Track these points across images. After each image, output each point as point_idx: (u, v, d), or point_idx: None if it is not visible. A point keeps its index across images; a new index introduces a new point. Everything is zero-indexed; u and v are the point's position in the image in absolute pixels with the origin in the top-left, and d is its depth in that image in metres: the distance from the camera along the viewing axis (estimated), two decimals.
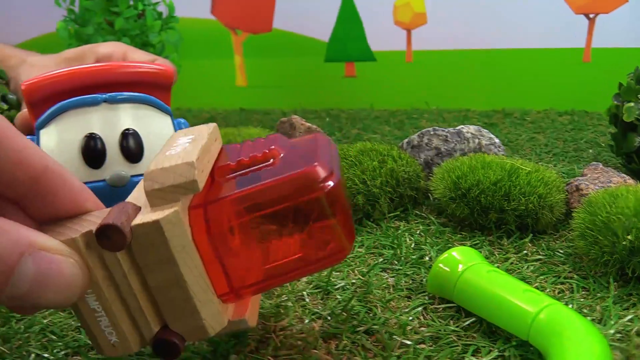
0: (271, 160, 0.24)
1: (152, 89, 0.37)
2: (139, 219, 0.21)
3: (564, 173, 0.53)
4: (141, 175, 0.35)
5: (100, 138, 0.33)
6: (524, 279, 0.33)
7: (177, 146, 0.24)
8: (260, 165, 0.24)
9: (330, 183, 0.22)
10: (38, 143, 0.34)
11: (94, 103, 0.34)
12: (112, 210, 0.21)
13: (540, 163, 0.57)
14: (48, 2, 0.69)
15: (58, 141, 0.33)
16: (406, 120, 0.83)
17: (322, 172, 0.22)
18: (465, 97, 0.90)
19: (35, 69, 0.55)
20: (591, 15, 0.81)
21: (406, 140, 0.50)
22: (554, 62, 0.85)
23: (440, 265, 0.31)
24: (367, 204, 0.42)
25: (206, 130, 0.25)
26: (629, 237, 0.31)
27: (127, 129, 0.34)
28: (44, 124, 0.34)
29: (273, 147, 0.25)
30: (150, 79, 0.37)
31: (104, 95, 0.34)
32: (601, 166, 0.44)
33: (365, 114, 0.89)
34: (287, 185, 0.22)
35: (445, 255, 0.31)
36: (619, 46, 0.81)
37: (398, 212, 0.44)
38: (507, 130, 0.74)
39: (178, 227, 0.21)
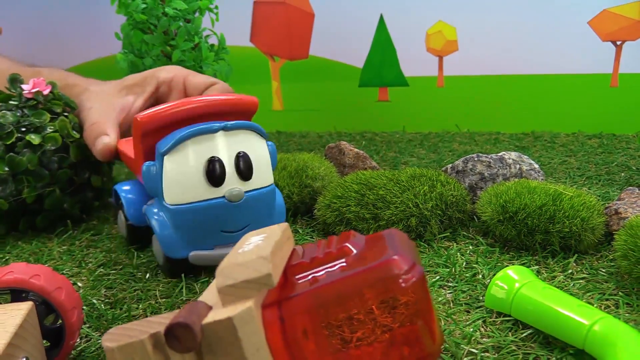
0: (345, 257, 0.23)
1: (246, 117, 0.42)
2: (210, 318, 0.20)
3: (599, 196, 0.56)
4: (252, 190, 0.39)
5: (220, 160, 0.38)
6: (572, 295, 0.36)
7: (250, 244, 0.24)
8: (334, 263, 0.23)
9: (414, 276, 0.21)
10: (161, 167, 0.38)
11: (212, 131, 0.38)
12: (183, 309, 0.21)
13: (574, 186, 0.60)
14: (103, 29, 0.74)
15: (183, 165, 0.37)
16: (440, 144, 0.86)
17: (403, 264, 0.21)
18: (495, 121, 0.93)
19: (96, 96, 0.59)
20: (618, 42, 0.85)
21: (450, 165, 0.54)
22: (582, 87, 0.88)
23: (498, 282, 0.34)
24: (419, 226, 0.46)
25: (279, 229, 0.25)
26: None
27: (240, 152, 0.38)
28: (168, 151, 0.38)
29: (347, 244, 0.24)
30: (244, 108, 0.42)
31: (220, 124, 0.38)
32: (638, 190, 0.47)
33: (398, 137, 0.93)
34: (366, 278, 0.21)
35: (502, 273, 0.34)
36: None
37: (447, 234, 0.47)
38: (538, 153, 0.77)
39: (252, 326, 0.20)
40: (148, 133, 0.39)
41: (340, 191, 0.49)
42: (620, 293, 0.37)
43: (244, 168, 0.38)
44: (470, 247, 0.45)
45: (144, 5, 0.65)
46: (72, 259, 0.47)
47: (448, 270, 0.41)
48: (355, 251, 0.24)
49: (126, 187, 0.48)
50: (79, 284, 0.42)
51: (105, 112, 0.56)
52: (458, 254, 0.44)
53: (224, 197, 0.38)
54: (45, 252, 0.49)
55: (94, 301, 0.39)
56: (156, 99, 0.59)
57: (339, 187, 0.49)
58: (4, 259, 0.48)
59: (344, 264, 0.24)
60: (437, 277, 0.40)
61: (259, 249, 0.23)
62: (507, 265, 0.41)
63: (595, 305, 0.35)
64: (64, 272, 0.45)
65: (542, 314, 0.31)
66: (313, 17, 0.95)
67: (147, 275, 0.43)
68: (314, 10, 0.95)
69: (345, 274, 0.22)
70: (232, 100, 0.41)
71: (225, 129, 0.38)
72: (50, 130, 0.55)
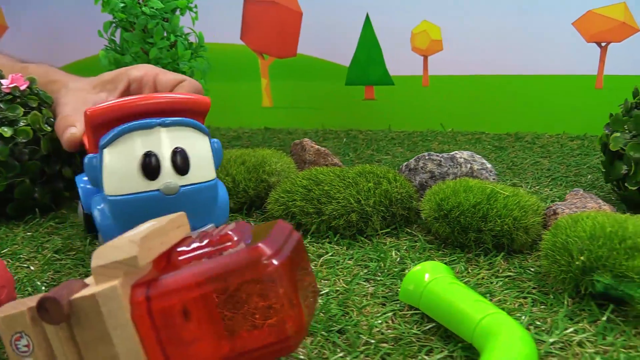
0: (227, 243, 0.25)
1: (193, 115, 0.43)
2: (79, 294, 0.22)
3: (556, 197, 0.56)
4: (189, 185, 0.40)
5: (155, 155, 0.39)
6: (489, 292, 0.37)
7: (135, 230, 0.26)
8: (211, 249, 0.25)
9: (275, 263, 0.23)
10: (101, 160, 0.40)
11: (149, 126, 0.40)
12: (61, 284, 0.23)
13: (536, 187, 0.60)
14: (91, 29, 0.77)
15: (121, 158, 0.39)
16: (420, 143, 0.87)
17: (268, 251, 0.23)
18: (480, 121, 0.93)
19: (72, 92, 0.61)
20: (603, 44, 0.84)
21: (405, 163, 0.55)
22: (567, 88, 0.88)
23: (411, 276, 0.35)
24: (360, 221, 0.47)
25: (168, 218, 0.28)
26: (582, 257, 0.35)
27: (177, 148, 0.40)
28: (107, 144, 0.40)
29: (229, 231, 0.26)
30: (192, 106, 0.43)
31: (157, 120, 0.40)
32: (582, 192, 0.48)
33: (382, 135, 0.94)
34: (231, 262, 0.23)
35: (416, 268, 0.35)
36: (630, 74, 0.83)
37: (389, 230, 0.48)
38: (514, 154, 0.77)
39: (115, 303, 0.21)
40: (97, 126, 0.41)
41: (289, 186, 0.50)
42: (538, 292, 0.37)
43: (181, 163, 0.40)
44: (408, 244, 0.46)
45: (122, 4, 0.67)
46: (32, 244, 0.50)
47: (377, 264, 0.42)
48: (236, 238, 0.26)
49: (85, 178, 0.50)
50: (31, 267, 0.45)
51: (77, 107, 0.59)
52: (393, 249, 0.45)
53: (159, 190, 0.39)
54: (10, 238, 0.52)
55: (38, 283, 0.41)
56: (129, 95, 0.61)
57: (289, 182, 0.51)
58: None
59: (221, 249, 0.25)
60: (365, 271, 0.41)
61: (133, 234, 0.24)
62: (437, 260, 0.42)
63: (508, 303, 0.36)
64: (21, 255, 0.47)
65: (442, 308, 0.32)
66: (301, 15, 0.97)
67: None
68: (302, 9, 0.97)
69: (214, 260, 0.24)
70: (181, 99, 0.43)
71: (162, 125, 0.40)
72: (23, 123, 0.57)
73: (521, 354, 0.26)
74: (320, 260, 0.43)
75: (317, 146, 0.60)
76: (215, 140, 0.44)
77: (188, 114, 0.43)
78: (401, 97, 0.96)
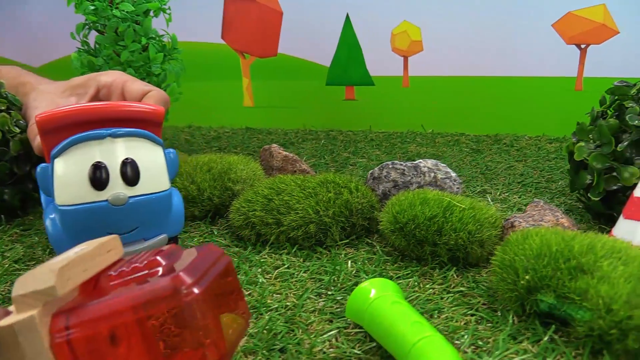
0: (154, 269, 0.25)
1: (146, 125, 0.43)
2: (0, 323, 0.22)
3: (523, 205, 0.56)
4: (138, 196, 0.41)
5: (105, 166, 0.39)
6: (438, 309, 0.37)
7: (63, 255, 0.25)
8: (140, 274, 0.25)
9: (195, 290, 0.23)
10: (52, 169, 0.40)
11: (100, 137, 0.40)
12: None
13: (505, 194, 0.60)
14: (69, 28, 0.76)
15: (70, 168, 0.39)
16: (398, 144, 0.86)
17: (187, 280, 0.23)
18: (460, 122, 0.93)
19: (42, 95, 0.61)
20: (582, 46, 0.83)
21: (370, 171, 0.54)
22: (547, 90, 0.87)
23: (357, 293, 0.35)
24: (319, 232, 0.47)
25: (98, 242, 0.27)
26: (527, 277, 0.34)
27: (126, 159, 0.40)
28: (58, 154, 0.40)
29: (157, 257, 0.26)
30: (144, 117, 0.43)
31: (107, 131, 0.40)
32: (542, 203, 0.47)
33: (362, 136, 0.93)
34: (152, 292, 0.23)
35: (363, 284, 0.35)
36: (610, 76, 0.83)
37: (349, 240, 0.48)
38: (490, 157, 0.77)
39: (33, 332, 0.21)
40: (48, 132, 0.41)
41: (251, 195, 0.50)
42: (486, 309, 0.37)
43: (130, 174, 0.40)
44: (365, 255, 0.46)
45: (92, 7, 0.67)
46: None
47: (329, 278, 0.42)
48: (164, 263, 0.26)
49: None
50: None
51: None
52: (350, 261, 0.44)
53: (107, 200, 0.39)
54: None
55: None
56: (98, 101, 0.61)
57: (251, 191, 0.51)
58: None
59: (144, 276, 0.25)
60: (318, 285, 0.41)
61: (54, 263, 0.24)
62: (391, 275, 0.42)
63: (454, 320, 0.36)
64: None
65: (382, 328, 0.32)
66: (282, 15, 0.96)
67: None
68: (282, 9, 0.96)
69: (136, 288, 0.24)
70: (133, 108, 0.43)
71: (114, 135, 0.40)
72: None
73: None
74: (275, 273, 0.43)
75: (284, 152, 0.60)
76: (170, 150, 0.44)
77: (141, 123, 0.43)
78: (381, 98, 0.96)
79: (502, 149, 0.81)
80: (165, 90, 0.72)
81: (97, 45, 0.71)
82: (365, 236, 0.49)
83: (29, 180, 0.60)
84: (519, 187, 0.63)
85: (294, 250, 0.47)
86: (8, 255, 0.49)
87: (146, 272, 0.26)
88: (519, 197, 0.59)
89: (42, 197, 0.49)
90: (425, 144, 0.86)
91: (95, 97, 0.61)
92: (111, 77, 0.60)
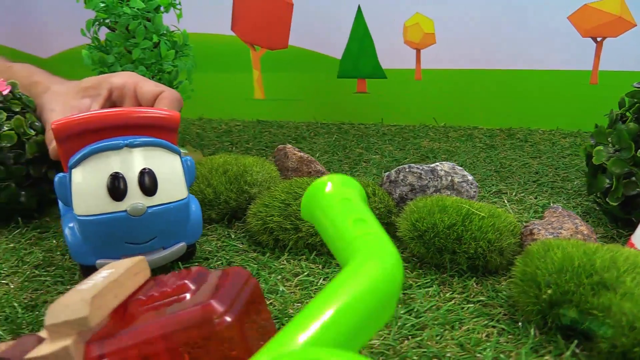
0: (183, 295, 0.25)
1: (162, 131, 0.43)
2: (33, 353, 0.22)
3: (539, 207, 0.56)
4: (156, 206, 0.41)
5: (122, 177, 0.39)
6: (459, 320, 0.37)
7: (91, 280, 0.26)
8: (170, 300, 0.25)
9: (227, 320, 0.23)
10: (70, 179, 0.40)
11: (117, 147, 0.40)
12: (16, 341, 0.23)
13: (521, 194, 0.60)
14: (78, 18, 0.76)
15: (88, 179, 0.40)
16: (411, 139, 0.86)
17: (219, 308, 0.23)
18: (473, 115, 0.92)
19: (57, 97, 0.61)
20: (598, 39, 0.82)
21: (387, 173, 0.54)
22: (562, 83, 0.86)
23: (312, 188, 0.31)
24: None
25: (127, 265, 0.27)
26: (549, 291, 0.34)
27: (144, 168, 0.40)
28: (75, 165, 0.40)
29: (186, 281, 0.26)
30: (160, 122, 0.43)
31: (125, 141, 0.40)
32: (560, 209, 0.47)
33: (374, 129, 0.93)
34: (182, 320, 0.23)
35: (321, 179, 0.31)
36: (626, 69, 0.82)
37: None
38: (504, 154, 0.76)
39: None
40: (63, 139, 0.41)
41: (268, 200, 0.50)
42: (507, 321, 0.37)
43: (148, 184, 0.40)
44: None
45: (103, 4, 0.66)
46: (14, 257, 0.50)
47: None
48: (193, 287, 0.26)
49: None
50: (11, 285, 0.45)
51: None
52: None
53: (125, 211, 0.39)
54: None
55: (15, 304, 0.42)
56: (112, 103, 0.61)
57: (268, 195, 0.51)
58: None
59: (173, 301, 0.26)
60: None
61: (88, 290, 0.24)
62: (411, 283, 0.42)
63: (476, 332, 0.36)
64: (2, 270, 0.48)
65: (326, 226, 0.28)
66: (292, 6, 0.95)
67: (76, 277, 0.46)
68: (292, 0, 0.95)
69: (169, 316, 0.24)
70: (149, 114, 0.43)
71: (131, 145, 0.40)
72: (7, 128, 0.57)
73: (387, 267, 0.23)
74: (295, 280, 0.43)
75: (299, 153, 0.60)
76: (188, 158, 0.44)
77: (157, 129, 0.43)
78: (393, 91, 0.95)
79: (516, 144, 0.81)
80: (177, 88, 0.71)
81: (107, 42, 0.70)
82: None
83: (45, 182, 0.60)
84: (534, 187, 0.63)
85: (312, 256, 0.47)
86: (27, 260, 0.50)
87: (175, 297, 0.26)
88: (535, 199, 0.59)
89: (60, 204, 0.49)
90: (438, 138, 0.85)
91: (108, 99, 0.60)
92: (122, 78, 0.60)
